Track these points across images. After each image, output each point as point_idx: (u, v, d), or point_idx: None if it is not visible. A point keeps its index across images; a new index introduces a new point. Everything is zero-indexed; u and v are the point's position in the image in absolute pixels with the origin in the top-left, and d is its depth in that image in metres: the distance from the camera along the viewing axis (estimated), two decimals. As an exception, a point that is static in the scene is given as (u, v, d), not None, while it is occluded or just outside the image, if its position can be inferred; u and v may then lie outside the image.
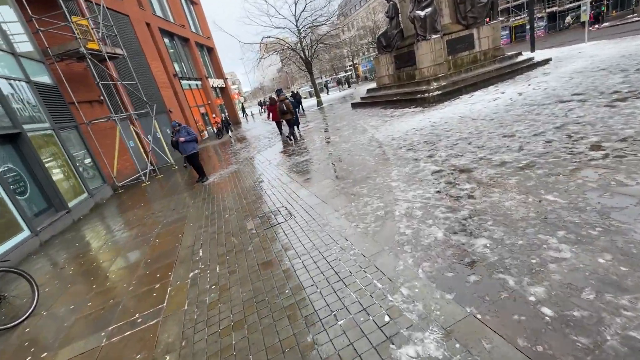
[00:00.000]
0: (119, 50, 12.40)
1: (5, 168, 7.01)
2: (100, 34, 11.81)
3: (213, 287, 3.24)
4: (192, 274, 3.66)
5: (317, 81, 33.58)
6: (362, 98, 16.08)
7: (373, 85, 18.79)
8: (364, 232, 3.50)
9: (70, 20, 10.13)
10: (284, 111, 10.98)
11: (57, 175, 8.68)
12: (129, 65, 13.06)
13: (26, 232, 6.67)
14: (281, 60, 29.42)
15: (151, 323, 2.94)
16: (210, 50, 29.18)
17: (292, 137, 11.33)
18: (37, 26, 9.89)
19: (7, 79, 7.72)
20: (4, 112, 7.25)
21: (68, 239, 6.81)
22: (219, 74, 29.52)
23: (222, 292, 3.11)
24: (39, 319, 3.63)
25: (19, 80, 8.14)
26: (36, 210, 7.61)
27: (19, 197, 6.98)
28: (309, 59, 23.21)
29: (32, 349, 3.08)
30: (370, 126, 9.75)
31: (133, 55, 15.43)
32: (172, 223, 5.86)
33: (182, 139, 8.39)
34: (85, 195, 9.52)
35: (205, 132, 23.45)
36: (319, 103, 24.14)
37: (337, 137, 9.69)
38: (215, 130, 21.90)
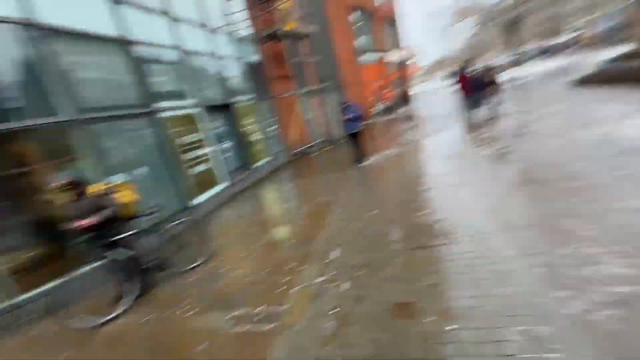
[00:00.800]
0: (311, 28, 13.43)
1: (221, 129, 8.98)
2: (298, 15, 13.06)
3: (333, 311, 2.70)
4: (320, 279, 3.27)
5: (523, 49, 26.62)
6: (592, 73, 11.21)
7: (611, 53, 12.67)
8: (590, 327, 1.95)
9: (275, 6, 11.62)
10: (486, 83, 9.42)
11: (251, 139, 10.57)
12: (316, 42, 14.06)
13: (226, 183, 8.42)
14: (475, 26, 24.80)
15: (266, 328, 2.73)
16: (393, 23, 28.04)
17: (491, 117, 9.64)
18: (255, 13, 11.87)
19: (237, 58, 10.12)
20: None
21: (248, 197, 8.15)
22: (398, 46, 28.21)
23: (340, 328, 2.50)
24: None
25: (238, 59, 10.18)
26: (232, 168, 9.48)
27: (224, 155, 8.84)
28: (514, 21, 18.29)
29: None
30: (606, 117, 6.45)
31: (320, 33, 16.51)
32: (322, 205, 5.75)
33: (348, 116, 8.23)
34: (268, 158, 11.25)
35: (377, 107, 23.33)
36: (521, 77, 19.07)
37: (543, 126, 7.01)
38: (386, 106, 21.37)
